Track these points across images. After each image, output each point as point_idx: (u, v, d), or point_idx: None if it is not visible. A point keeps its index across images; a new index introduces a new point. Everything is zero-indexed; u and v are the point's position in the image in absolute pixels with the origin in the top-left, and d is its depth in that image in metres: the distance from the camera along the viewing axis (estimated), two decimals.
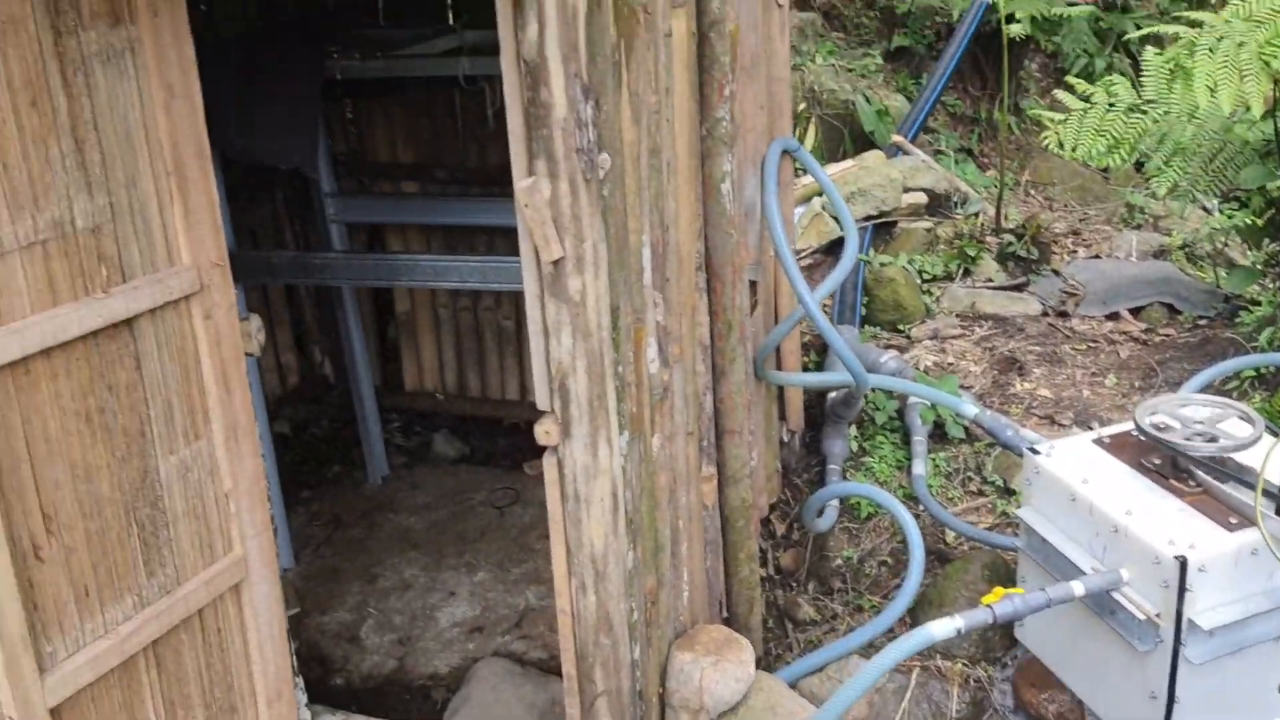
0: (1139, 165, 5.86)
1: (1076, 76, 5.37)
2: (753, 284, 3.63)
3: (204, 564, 2.38)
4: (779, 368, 4.01)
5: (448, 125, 4.36)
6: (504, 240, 4.46)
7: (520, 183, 2.13)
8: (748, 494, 3.46)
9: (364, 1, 4.22)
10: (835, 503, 3.79)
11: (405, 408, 4.97)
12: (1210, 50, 3.99)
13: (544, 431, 2.30)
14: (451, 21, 4.05)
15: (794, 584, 3.82)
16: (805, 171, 4.22)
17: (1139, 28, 8.21)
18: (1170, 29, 4.28)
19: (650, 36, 2.43)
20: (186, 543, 2.34)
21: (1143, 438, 2.73)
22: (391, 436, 4.93)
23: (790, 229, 3.88)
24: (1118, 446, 2.83)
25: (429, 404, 4.87)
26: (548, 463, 2.36)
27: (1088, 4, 8.69)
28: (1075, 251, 5.77)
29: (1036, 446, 2.87)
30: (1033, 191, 7.79)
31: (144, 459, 2.25)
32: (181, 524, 2.33)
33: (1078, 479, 2.73)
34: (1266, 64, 3.89)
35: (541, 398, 2.31)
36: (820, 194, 5.71)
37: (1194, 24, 4.17)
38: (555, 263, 2.17)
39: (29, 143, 1.98)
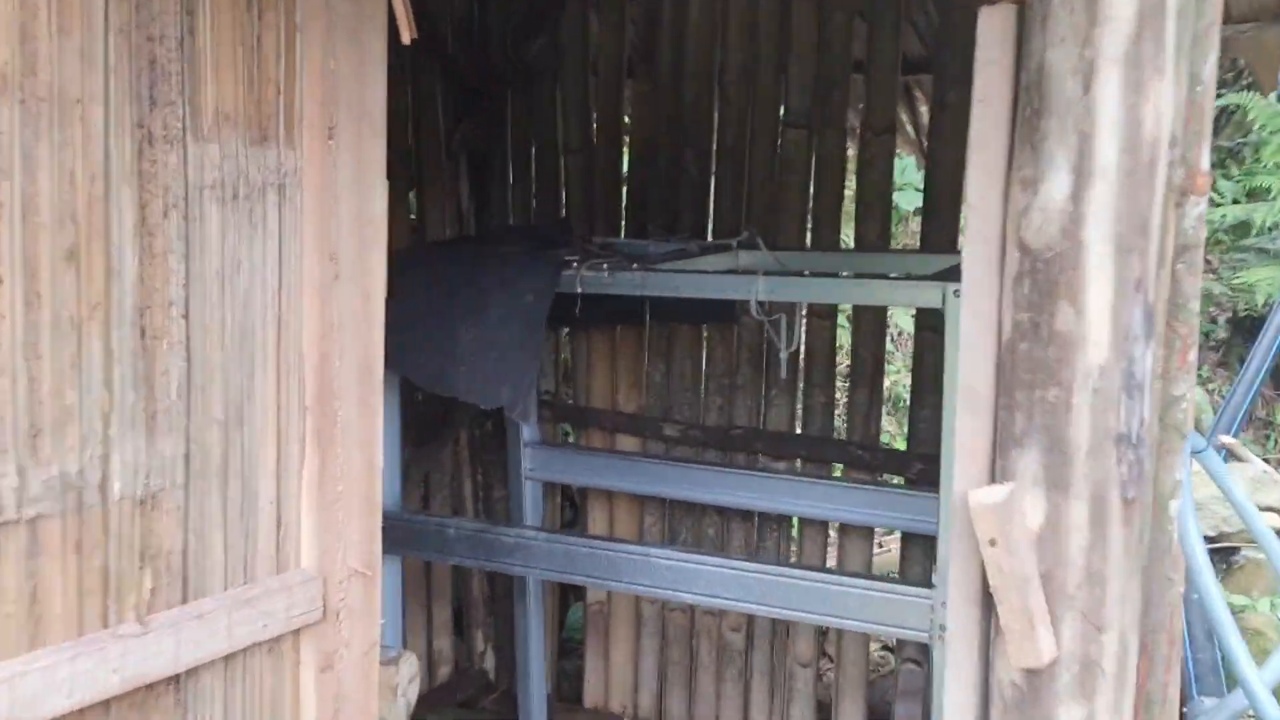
0: None
1: None
2: None
3: None
4: None
5: (687, 371, 3.38)
6: (740, 524, 3.36)
7: (977, 493, 1.03)
8: None
9: (604, 212, 3.38)
10: None
11: None
12: None
13: None
14: (711, 237, 3.14)
15: None
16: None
17: None
18: None
19: None
20: None
21: None
22: None
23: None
24: None
25: None
26: None
27: None
28: None
29: None
30: None
31: None
32: None
33: None
34: None
35: None
36: None
37: None
38: (1029, 670, 1.03)
39: (43, 323, 1.02)
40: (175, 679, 1.14)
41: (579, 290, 2.36)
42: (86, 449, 1.06)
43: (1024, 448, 1.02)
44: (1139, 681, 1.97)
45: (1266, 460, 6.84)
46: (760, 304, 2.24)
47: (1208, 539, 4.26)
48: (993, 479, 1.05)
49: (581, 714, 3.71)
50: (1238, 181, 8.20)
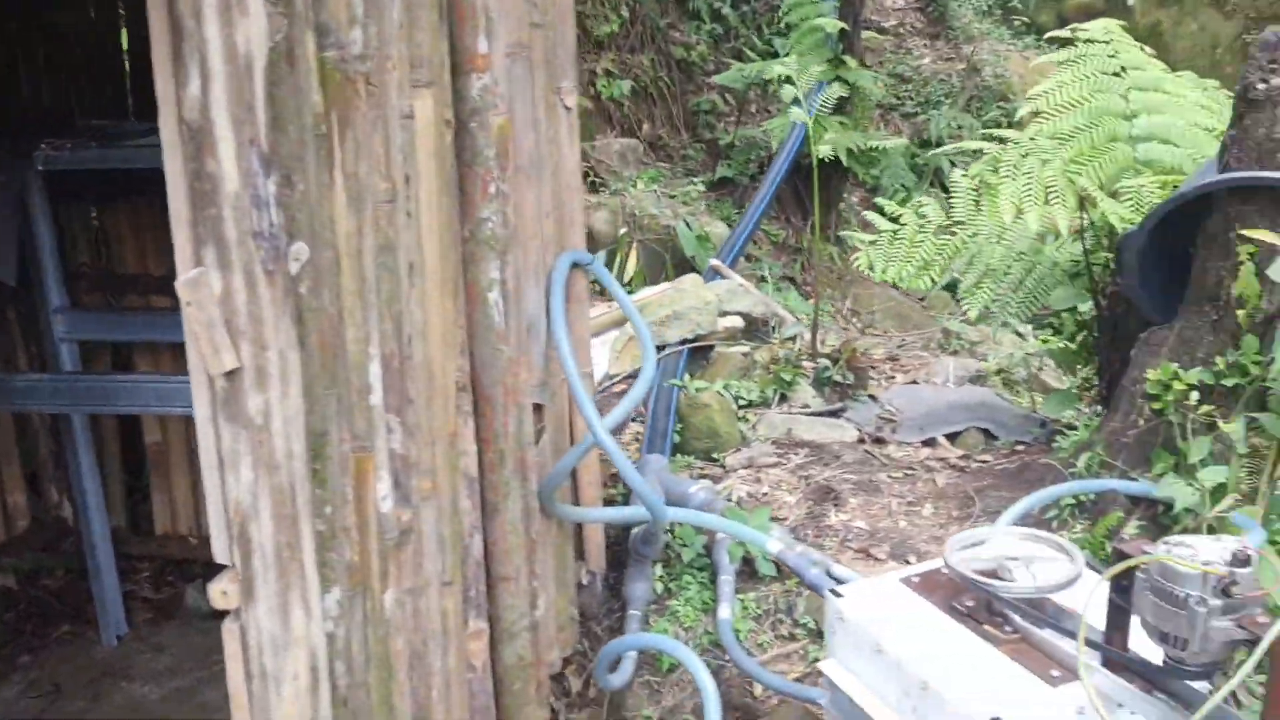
0: (953, 290, 5.80)
1: None
2: (540, 408, 3.24)
3: None
4: (576, 501, 3.61)
5: None
6: None
7: (184, 276, 1.70)
8: (527, 650, 3.01)
9: (92, 96, 3.76)
10: (633, 655, 3.35)
11: (156, 554, 4.33)
12: (1015, 168, 3.91)
13: (220, 592, 1.81)
14: None
15: None
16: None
17: (954, 164, 8.44)
18: (974, 145, 4.21)
19: (377, 113, 2.06)
20: None
21: (954, 577, 2.41)
22: (139, 589, 4.28)
23: (584, 348, 3.53)
24: (928, 587, 2.50)
25: (183, 550, 4.25)
26: (228, 632, 1.86)
27: (901, 139, 8.93)
28: (893, 378, 5.61)
29: (838, 588, 2.52)
30: (854, 319, 7.77)
31: None
32: None
33: (883, 626, 2.38)
34: (1072, 182, 3.81)
35: (219, 549, 1.83)
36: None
37: (1000, 140, 4.11)
38: (229, 375, 1.73)
39: None
40: None
41: (39, 168, 2.82)
42: None
43: (205, 246, 1.69)
44: (484, 420, 2.80)
45: (790, 279, 8.24)
46: None
47: (687, 340, 5.34)
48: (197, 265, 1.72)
49: (153, 541, 4.27)
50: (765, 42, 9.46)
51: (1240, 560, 1.91)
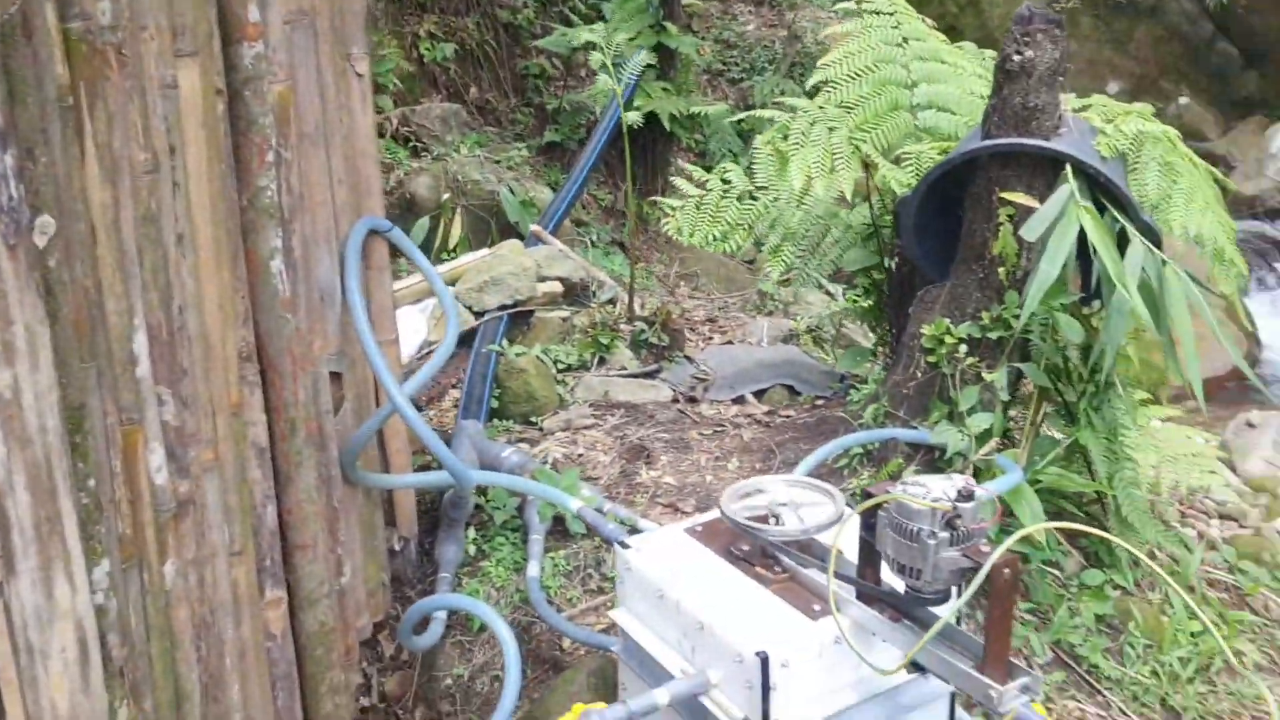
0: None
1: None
2: (340, 377, 3.25)
3: None
4: (386, 468, 3.63)
5: None
6: None
7: None
8: (330, 616, 3.04)
9: None
10: (442, 616, 3.41)
11: None
12: (804, 135, 4.08)
13: None
14: None
15: (400, 711, 3.40)
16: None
17: None
18: (768, 114, 4.37)
19: (133, 83, 2.04)
20: None
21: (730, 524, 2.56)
22: None
23: (386, 316, 3.54)
24: (709, 535, 2.64)
25: None
26: None
27: (723, 105, 9.12)
28: (711, 338, 5.81)
29: (626, 540, 2.64)
30: (680, 282, 7.95)
31: None
32: None
33: (666, 573, 2.51)
34: (857, 149, 4.01)
35: None
36: (454, 284, 5.45)
37: (793, 109, 4.28)
38: None
39: None
40: None
41: None
42: None
43: None
44: (273, 390, 2.79)
45: (620, 244, 8.35)
46: None
47: (506, 306, 5.39)
48: None
49: None
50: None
51: (965, 495, 2.10)
